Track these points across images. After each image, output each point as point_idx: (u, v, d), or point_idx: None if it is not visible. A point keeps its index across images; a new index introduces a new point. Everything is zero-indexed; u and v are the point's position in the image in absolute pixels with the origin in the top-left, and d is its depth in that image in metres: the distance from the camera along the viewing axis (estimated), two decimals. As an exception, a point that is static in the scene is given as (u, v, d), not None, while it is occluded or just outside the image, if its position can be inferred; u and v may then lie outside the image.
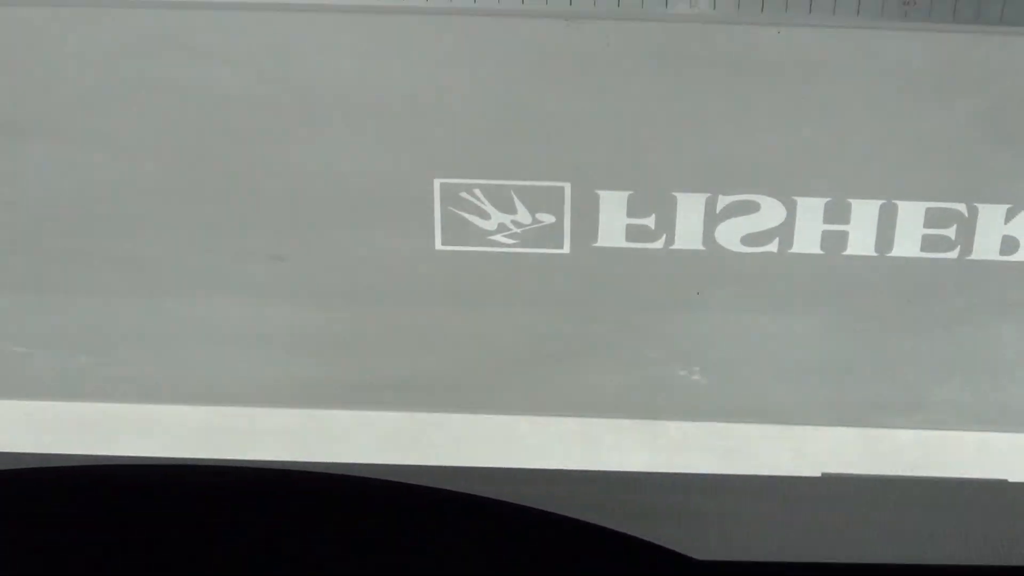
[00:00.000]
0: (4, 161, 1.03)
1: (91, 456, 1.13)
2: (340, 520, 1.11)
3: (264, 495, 1.12)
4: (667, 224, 1.03)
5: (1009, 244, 1.03)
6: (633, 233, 1.04)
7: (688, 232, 1.04)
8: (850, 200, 1.02)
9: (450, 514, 1.11)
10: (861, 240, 1.04)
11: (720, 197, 1.02)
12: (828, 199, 1.02)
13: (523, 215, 1.03)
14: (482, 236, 1.04)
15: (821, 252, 1.04)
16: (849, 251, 1.04)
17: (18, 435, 1.14)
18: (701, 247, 1.05)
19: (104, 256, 1.07)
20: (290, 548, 1.08)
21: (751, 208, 1.03)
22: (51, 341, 1.11)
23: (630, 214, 1.03)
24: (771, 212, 1.03)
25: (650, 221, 1.04)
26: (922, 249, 1.03)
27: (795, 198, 1.02)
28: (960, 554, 1.08)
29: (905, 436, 1.13)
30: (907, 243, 1.03)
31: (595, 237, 1.04)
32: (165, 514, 1.11)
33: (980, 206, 1.02)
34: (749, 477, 1.12)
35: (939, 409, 1.12)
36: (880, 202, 1.02)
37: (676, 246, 1.05)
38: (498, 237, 1.04)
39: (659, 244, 1.05)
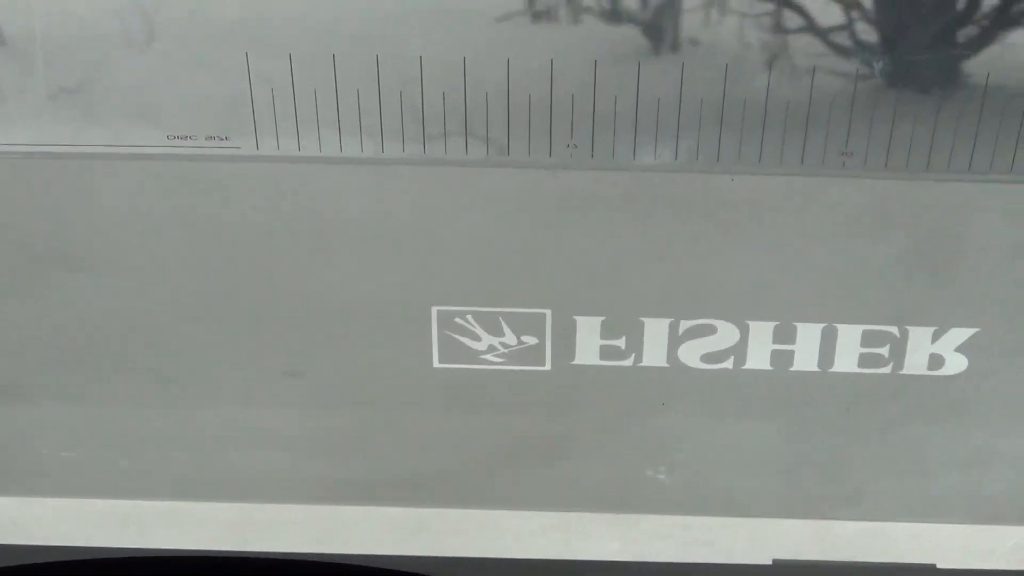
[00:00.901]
0: (52, 290, 1.02)
1: (131, 549, 1.12)
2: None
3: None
4: (636, 345, 1.03)
5: (936, 361, 1.03)
6: (606, 352, 1.04)
7: (654, 351, 1.03)
8: (796, 323, 1.01)
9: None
10: (806, 358, 1.03)
11: (682, 321, 1.02)
12: (776, 323, 1.01)
13: (510, 337, 1.03)
14: (474, 355, 1.04)
15: (771, 368, 1.03)
16: (795, 367, 1.03)
17: (68, 529, 1.13)
18: (666, 364, 1.04)
19: (141, 372, 1.06)
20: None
21: (709, 331, 1.02)
22: (95, 446, 1.10)
23: (603, 336, 1.03)
24: (726, 334, 1.02)
25: (621, 342, 1.03)
26: (859, 365, 1.03)
27: (747, 322, 1.02)
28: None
29: (847, 526, 1.12)
30: (846, 360, 1.03)
31: (573, 356, 1.04)
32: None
33: (910, 328, 1.01)
34: (709, 565, 1.11)
35: (876, 502, 1.11)
36: (822, 325, 1.01)
37: (644, 363, 1.04)
38: (488, 356, 1.04)
39: (629, 362, 1.04)
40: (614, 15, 0.88)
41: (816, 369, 1.03)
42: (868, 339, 1.02)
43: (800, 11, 0.87)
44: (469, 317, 1.02)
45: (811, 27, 0.88)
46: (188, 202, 0.97)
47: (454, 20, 0.89)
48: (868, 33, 0.88)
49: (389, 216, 0.97)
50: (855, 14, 0.88)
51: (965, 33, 0.88)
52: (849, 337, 1.02)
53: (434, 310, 1.02)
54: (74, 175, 0.96)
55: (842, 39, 0.89)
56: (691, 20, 0.88)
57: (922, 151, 0.92)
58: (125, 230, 0.98)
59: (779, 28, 0.87)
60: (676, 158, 0.93)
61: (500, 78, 0.90)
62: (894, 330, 1.01)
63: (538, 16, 0.89)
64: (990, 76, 0.89)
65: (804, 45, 0.89)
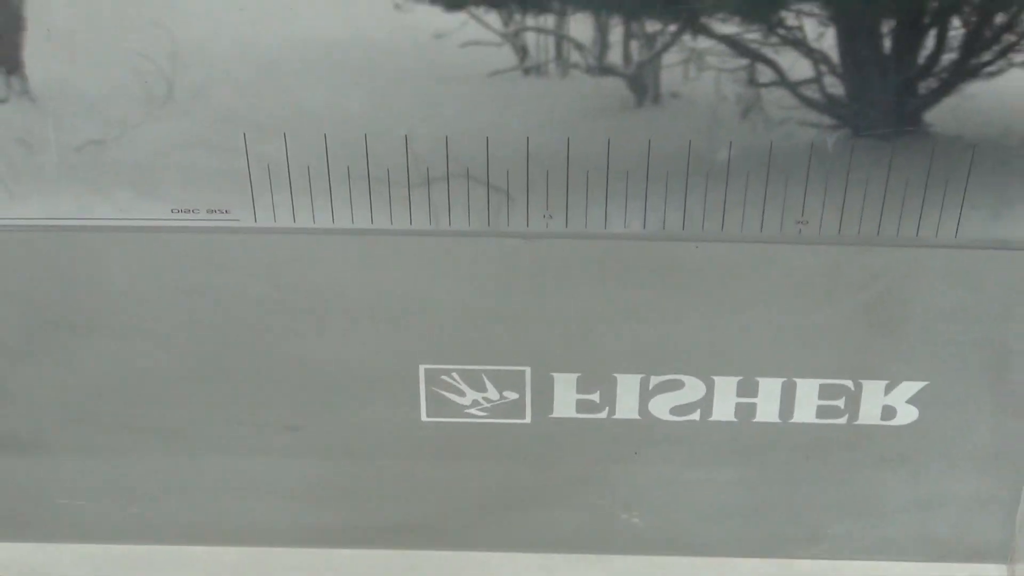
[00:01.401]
0: (66, 353, 1.01)
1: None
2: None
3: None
4: (609, 399, 1.02)
5: (888, 412, 1.02)
6: (582, 406, 1.03)
7: (626, 405, 1.02)
8: (757, 378, 1.00)
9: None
10: (767, 410, 1.02)
11: (652, 377, 1.01)
12: (740, 378, 1.00)
13: (492, 393, 1.02)
14: (459, 410, 1.03)
15: (735, 420, 1.02)
16: (758, 418, 1.02)
17: (83, 573, 1.11)
18: (637, 416, 1.03)
19: (150, 426, 1.05)
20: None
21: (677, 385, 1.01)
22: (107, 495, 1.08)
23: (579, 391, 1.02)
24: (693, 388, 1.01)
25: (595, 396, 1.02)
26: (817, 416, 1.02)
27: (713, 377, 1.01)
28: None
29: (806, 565, 1.11)
30: (805, 412, 1.02)
31: (551, 410, 1.03)
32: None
33: (864, 382, 1.00)
34: (680, 602, 1.10)
35: (834, 542, 1.10)
36: (782, 379, 1.00)
37: (617, 416, 1.03)
38: (472, 410, 1.03)
39: (603, 414, 1.03)
40: (593, 94, 0.87)
41: (777, 420, 1.02)
42: (825, 392, 1.01)
43: (757, 96, 0.86)
44: (454, 374, 1.01)
45: (767, 110, 0.87)
46: (191, 270, 0.96)
47: (437, 105, 0.88)
48: (821, 112, 0.87)
49: (379, 281, 0.96)
50: (809, 95, 0.87)
51: (910, 111, 0.87)
52: (807, 390, 1.01)
53: (421, 368, 1.01)
54: (84, 247, 0.95)
55: (797, 116, 0.88)
56: (658, 106, 0.87)
57: (872, 219, 0.92)
58: (132, 297, 0.97)
59: (740, 110, 0.86)
60: (645, 227, 0.93)
61: (480, 155, 0.89)
62: (849, 384, 1.00)
63: (513, 102, 0.88)
64: (935, 151, 0.88)
65: (761, 124, 0.88)
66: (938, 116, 0.88)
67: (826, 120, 0.87)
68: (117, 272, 0.96)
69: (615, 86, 0.87)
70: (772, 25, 0.84)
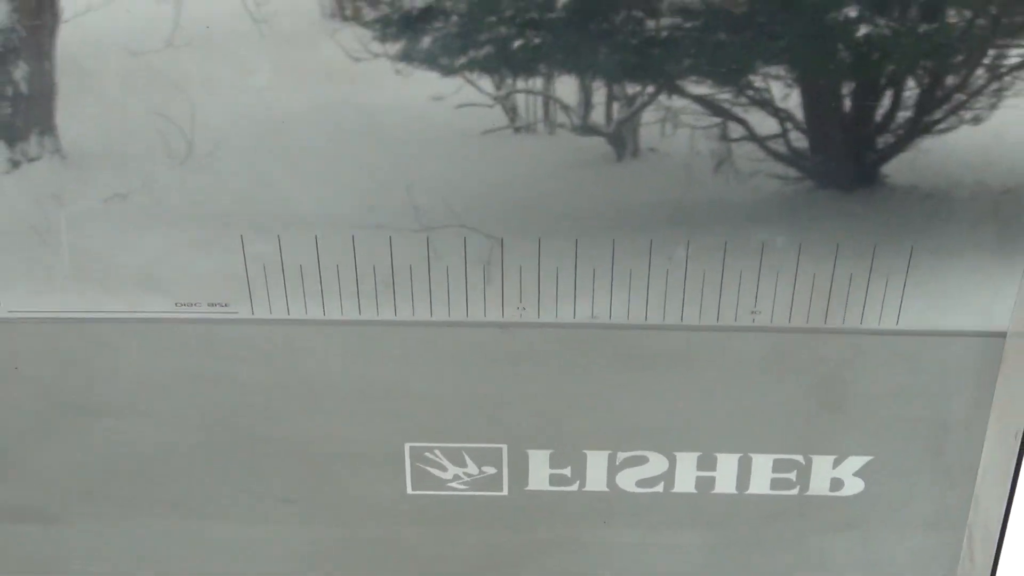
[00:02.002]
0: (79, 431, 0.99)
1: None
2: None
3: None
4: (580, 473, 1.00)
5: (836, 483, 1.00)
6: (555, 480, 1.01)
7: (595, 478, 1.01)
8: (716, 454, 0.99)
9: None
10: (725, 482, 1.01)
11: (619, 453, 0.99)
12: (699, 453, 0.99)
13: (472, 468, 1.00)
14: (442, 483, 1.01)
15: (695, 491, 1.01)
16: (716, 490, 1.01)
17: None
18: (606, 488, 1.01)
19: (158, 498, 1.03)
20: None
21: (642, 461, 1.00)
22: (119, 561, 1.06)
23: (552, 466, 1.00)
24: (657, 463, 1.00)
25: (567, 471, 1.00)
26: (771, 488, 1.01)
27: (675, 453, 0.99)
28: None
29: (764, 622, 1.09)
30: (760, 484, 1.00)
31: (526, 483, 1.01)
32: None
33: (814, 457, 0.99)
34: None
35: (789, 601, 1.08)
36: (738, 455, 0.99)
37: (587, 488, 1.01)
38: (454, 484, 1.01)
39: (574, 487, 1.01)
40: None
41: (734, 491, 1.01)
42: (778, 466, 0.99)
43: (716, 194, 0.85)
44: (437, 451, 0.99)
45: (724, 207, 0.86)
46: (194, 358, 0.94)
47: (419, 210, 0.86)
48: (770, 213, 0.86)
49: (367, 367, 0.94)
50: (762, 196, 0.86)
51: (852, 206, 0.86)
52: (762, 464, 0.99)
53: (407, 446, 0.99)
54: (96, 337, 0.93)
55: (750, 217, 0.87)
56: (621, 206, 0.86)
57: (820, 309, 0.90)
58: (141, 382, 0.95)
59: (714, 164, 0.85)
60: (611, 317, 0.91)
61: (459, 254, 0.88)
62: (800, 458, 0.99)
63: (490, 208, 0.86)
64: (877, 248, 0.87)
65: (718, 220, 0.87)
66: (883, 208, 0.87)
67: (791, 172, 0.85)
68: (127, 359, 0.95)
69: (596, 143, 0.85)
70: (741, 87, 0.83)
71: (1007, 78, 0.81)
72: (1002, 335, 0.91)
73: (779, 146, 0.84)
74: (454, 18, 0.79)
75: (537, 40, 0.80)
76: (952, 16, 0.78)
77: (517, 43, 0.81)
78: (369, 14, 0.79)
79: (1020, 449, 0.94)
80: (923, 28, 0.80)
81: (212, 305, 0.91)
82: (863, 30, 0.80)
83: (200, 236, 0.88)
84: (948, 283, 0.90)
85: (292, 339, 0.93)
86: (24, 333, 0.93)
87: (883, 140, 0.84)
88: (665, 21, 0.80)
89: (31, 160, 0.85)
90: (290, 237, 0.88)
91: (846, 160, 0.85)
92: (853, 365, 0.94)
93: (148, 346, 0.94)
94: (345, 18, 0.79)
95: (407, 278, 0.89)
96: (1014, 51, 0.80)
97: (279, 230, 0.87)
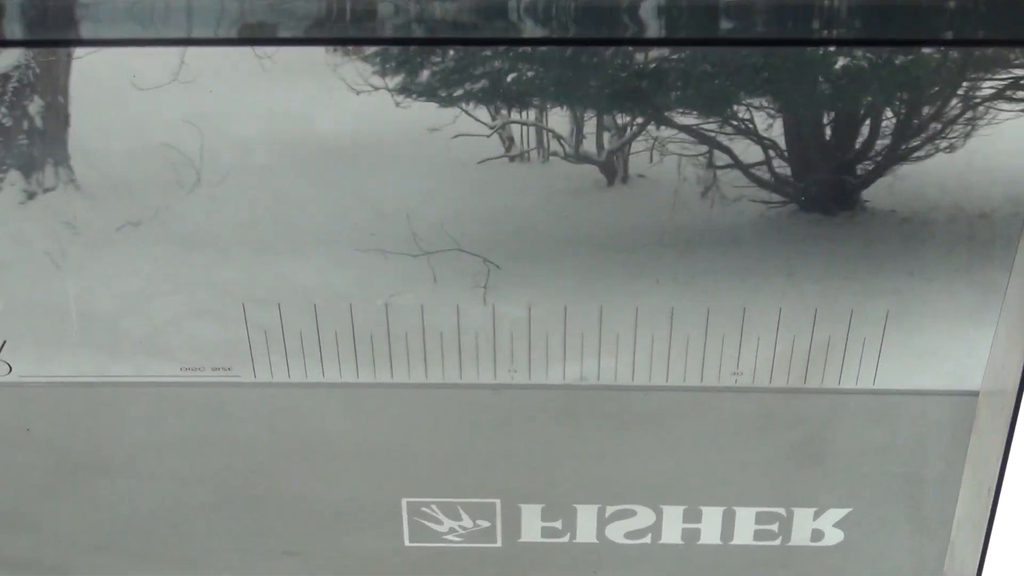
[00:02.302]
0: (88, 491, 0.99)
1: None
2: None
3: None
4: (570, 525, 1.00)
5: (817, 534, 1.00)
6: (546, 532, 1.00)
7: (585, 531, 1.00)
8: (701, 507, 0.98)
9: None
10: (710, 534, 1.00)
11: (608, 507, 0.99)
12: (685, 507, 0.98)
13: (467, 521, 1.00)
14: (438, 536, 1.00)
15: (681, 542, 1.00)
16: (702, 541, 1.00)
17: None
18: (595, 540, 1.00)
19: (165, 554, 1.02)
20: None
21: (630, 514, 0.99)
22: (128, 612, 1.05)
23: (544, 519, 1.00)
24: (644, 516, 0.99)
25: (558, 524, 1.00)
26: (754, 539, 1.00)
27: (661, 506, 0.98)
28: None
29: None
30: (743, 535, 1.00)
31: (519, 535, 1.00)
32: None
33: (795, 509, 0.98)
34: None
35: (773, 646, 1.07)
36: (723, 508, 0.98)
37: (577, 540, 1.01)
38: (449, 536, 1.00)
39: (565, 539, 1.00)
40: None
41: (719, 542, 1.00)
42: (761, 518, 0.99)
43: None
44: (433, 506, 0.99)
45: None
46: (199, 419, 0.94)
47: (413, 280, 0.86)
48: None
49: (365, 427, 0.94)
50: (742, 263, 0.85)
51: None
52: (745, 517, 0.99)
53: (404, 501, 0.99)
54: (104, 400, 0.93)
55: (731, 283, 0.86)
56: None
57: (799, 370, 0.90)
58: (147, 443, 0.95)
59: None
60: (599, 378, 0.90)
61: (452, 321, 0.87)
62: (782, 511, 0.98)
63: (480, 279, 0.86)
64: (853, 313, 0.87)
65: (701, 287, 0.86)
66: (858, 272, 0.86)
67: (775, 197, 0.85)
68: (134, 422, 0.94)
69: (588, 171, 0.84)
70: (726, 117, 0.82)
71: (980, 108, 0.80)
72: (975, 394, 0.91)
73: (763, 173, 0.83)
74: (451, 52, 0.79)
75: (530, 73, 0.80)
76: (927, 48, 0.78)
77: (511, 76, 0.81)
78: (369, 48, 0.79)
79: (992, 503, 0.94)
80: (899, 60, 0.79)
81: (216, 369, 0.91)
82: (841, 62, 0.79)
83: (204, 305, 0.87)
84: (923, 345, 0.89)
85: (293, 400, 0.92)
86: (34, 396, 0.92)
87: (862, 166, 0.83)
88: (653, 54, 0.80)
89: (46, 191, 0.85)
90: (290, 305, 0.87)
91: (827, 187, 0.84)
92: (832, 423, 0.93)
93: (154, 408, 0.93)
94: (347, 52, 0.79)
95: (403, 343, 0.89)
96: (987, 83, 0.79)
97: (280, 299, 0.87)
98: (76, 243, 0.86)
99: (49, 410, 0.94)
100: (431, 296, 0.87)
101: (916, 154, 0.82)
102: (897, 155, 0.82)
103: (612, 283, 0.87)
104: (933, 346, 0.90)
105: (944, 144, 0.82)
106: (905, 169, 0.83)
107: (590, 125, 0.82)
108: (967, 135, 0.81)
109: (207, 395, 0.93)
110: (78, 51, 0.78)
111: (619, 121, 0.82)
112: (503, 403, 0.93)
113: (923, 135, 0.81)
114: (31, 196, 0.84)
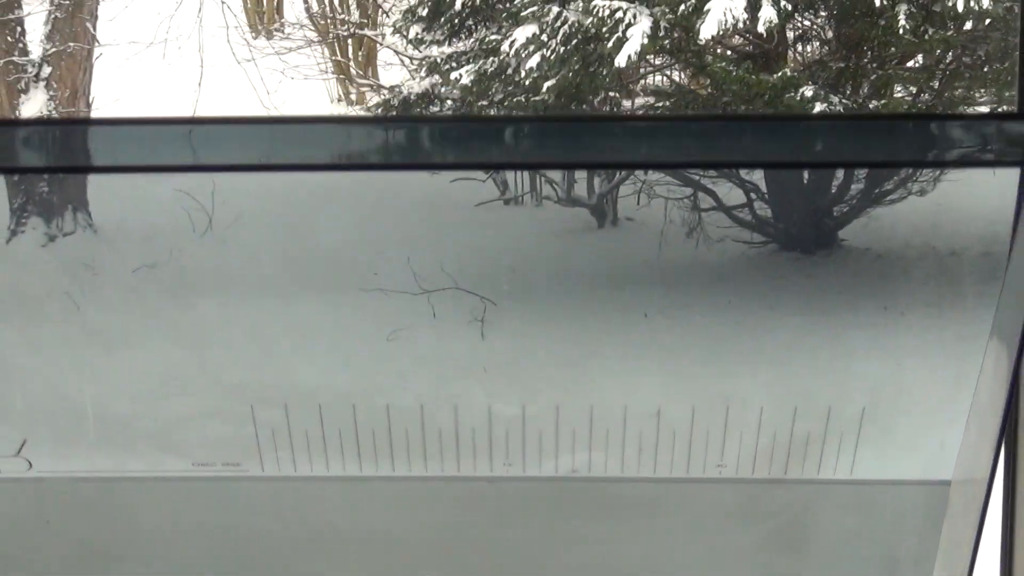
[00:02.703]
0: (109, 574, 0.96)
1: None
2: None
3: None
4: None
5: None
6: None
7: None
8: (684, 596, 0.97)
9: None
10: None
11: (598, 594, 0.97)
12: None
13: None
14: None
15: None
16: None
17: None
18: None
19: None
20: None
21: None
22: None
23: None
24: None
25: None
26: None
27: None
28: None
29: None
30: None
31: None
32: None
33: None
34: None
35: None
36: (708, 593, 0.96)
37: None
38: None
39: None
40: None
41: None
42: (748, 598, 0.97)
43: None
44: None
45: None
46: (209, 511, 0.93)
47: (413, 377, 0.86)
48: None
49: (368, 517, 0.93)
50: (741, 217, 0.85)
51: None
52: (732, 598, 0.97)
53: (406, 586, 0.97)
54: (120, 494, 0.92)
55: (717, 381, 0.86)
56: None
57: (780, 462, 0.89)
58: (161, 533, 0.94)
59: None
60: (589, 470, 0.90)
61: (449, 419, 0.87)
62: (771, 596, 0.97)
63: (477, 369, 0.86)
64: (832, 409, 0.87)
65: (686, 386, 0.86)
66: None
67: (757, 237, 0.84)
68: (148, 514, 0.93)
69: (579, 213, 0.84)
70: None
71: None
72: (947, 483, 0.90)
73: (747, 214, 0.83)
74: (448, 103, 0.79)
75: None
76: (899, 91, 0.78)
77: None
78: (372, 99, 0.79)
79: (966, 588, 0.93)
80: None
81: (226, 465, 0.90)
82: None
83: (214, 407, 0.87)
84: (898, 437, 0.89)
85: (299, 492, 0.92)
86: (53, 491, 0.91)
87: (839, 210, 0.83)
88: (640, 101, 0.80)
89: (66, 235, 0.85)
90: (296, 405, 0.87)
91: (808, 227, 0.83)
92: (811, 510, 0.93)
93: (167, 501, 0.92)
94: (350, 103, 0.78)
95: (403, 442, 0.88)
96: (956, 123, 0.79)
97: (286, 399, 0.86)
98: (93, 346, 0.85)
99: (69, 502, 0.93)
100: (430, 330, 0.86)
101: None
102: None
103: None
104: (908, 439, 0.89)
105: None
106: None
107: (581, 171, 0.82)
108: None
109: (217, 488, 0.92)
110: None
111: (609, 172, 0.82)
112: (499, 494, 0.93)
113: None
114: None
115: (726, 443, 0.89)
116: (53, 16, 3.68)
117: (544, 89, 3.09)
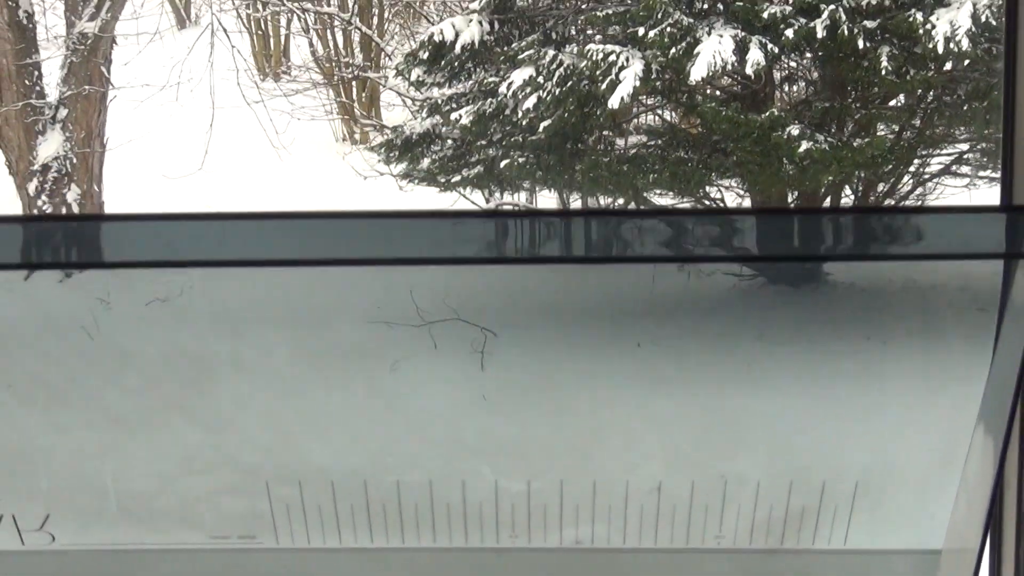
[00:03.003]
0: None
1: None
2: None
3: None
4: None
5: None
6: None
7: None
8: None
9: None
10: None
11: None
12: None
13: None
14: None
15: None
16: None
17: None
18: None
19: None
20: None
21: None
22: None
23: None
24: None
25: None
26: None
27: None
28: None
29: None
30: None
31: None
32: None
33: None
34: None
35: None
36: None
37: None
38: None
39: None
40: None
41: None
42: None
43: (680, 438, 0.84)
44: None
45: (688, 448, 0.85)
46: (226, 583, 0.92)
47: (420, 450, 0.86)
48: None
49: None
50: (719, 428, 0.85)
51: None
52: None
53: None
54: (139, 566, 0.92)
55: (714, 456, 0.86)
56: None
57: (777, 531, 0.89)
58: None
59: (665, 446, 0.84)
60: (592, 542, 0.89)
61: (457, 497, 0.87)
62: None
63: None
64: (826, 483, 0.86)
65: (684, 461, 0.86)
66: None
67: (745, 271, 0.84)
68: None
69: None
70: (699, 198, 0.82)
71: (929, 184, 0.80)
72: (937, 552, 0.90)
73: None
74: (449, 142, 0.79)
75: (521, 159, 0.80)
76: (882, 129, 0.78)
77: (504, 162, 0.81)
78: (376, 139, 0.79)
79: (957, 655, 0.93)
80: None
81: (242, 538, 0.90)
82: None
83: (231, 484, 0.86)
84: (890, 508, 0.88)
85: (313, 564, 0.91)
86: (74, 563, 0.91)
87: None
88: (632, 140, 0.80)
89: (82, 270, 0.84)
90: (310, 482, 0.86)
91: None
92: (809, 581, 0.92)
93: (184, 573, 0.92)
94: (355, 142, 0.78)
95: (413, 517, 0.88)
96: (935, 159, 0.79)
97: (300, 477, 0.86)
98: (115, 430, 0.85)
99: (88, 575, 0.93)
100: (431, 363, 0.86)
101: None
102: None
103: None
104: (899, 510, 0.89)
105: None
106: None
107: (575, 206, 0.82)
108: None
109: (233, 560, 0.92)
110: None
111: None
112: (503, 568, 0.92)
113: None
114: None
115: (724, 515, 0.89)
116: (69, 60, 3.72)
117: (540, 129, 3.11)
